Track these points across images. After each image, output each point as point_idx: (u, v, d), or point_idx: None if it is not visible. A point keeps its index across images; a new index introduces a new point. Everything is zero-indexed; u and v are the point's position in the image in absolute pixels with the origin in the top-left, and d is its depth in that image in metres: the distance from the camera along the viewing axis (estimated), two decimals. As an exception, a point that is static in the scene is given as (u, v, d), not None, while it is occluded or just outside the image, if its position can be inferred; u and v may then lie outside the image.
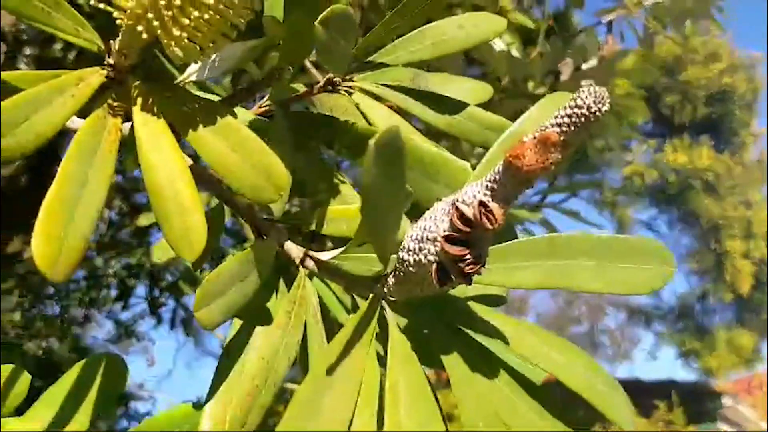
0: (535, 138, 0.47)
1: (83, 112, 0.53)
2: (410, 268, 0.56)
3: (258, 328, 0.60)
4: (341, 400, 0.50)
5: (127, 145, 0.56)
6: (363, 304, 0.57)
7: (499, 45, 2.16)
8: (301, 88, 0.74)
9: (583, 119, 0.45)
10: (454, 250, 0.52)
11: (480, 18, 0.76)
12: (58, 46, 2.27)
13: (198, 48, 0.52)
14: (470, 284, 0.56)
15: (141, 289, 3.79)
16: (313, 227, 0.72)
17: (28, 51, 2.42)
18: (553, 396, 0.60)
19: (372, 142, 0.40)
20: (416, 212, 0.58)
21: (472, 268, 0.53)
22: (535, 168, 0.47)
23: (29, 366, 0.69)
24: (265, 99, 0.72)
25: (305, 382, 0.50)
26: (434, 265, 0.54)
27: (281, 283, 0.67)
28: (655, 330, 15.53)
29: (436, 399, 0.56)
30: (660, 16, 2.53)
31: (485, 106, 0.80)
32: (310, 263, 0.65)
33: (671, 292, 15.01)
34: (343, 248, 0.60)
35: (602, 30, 2.80)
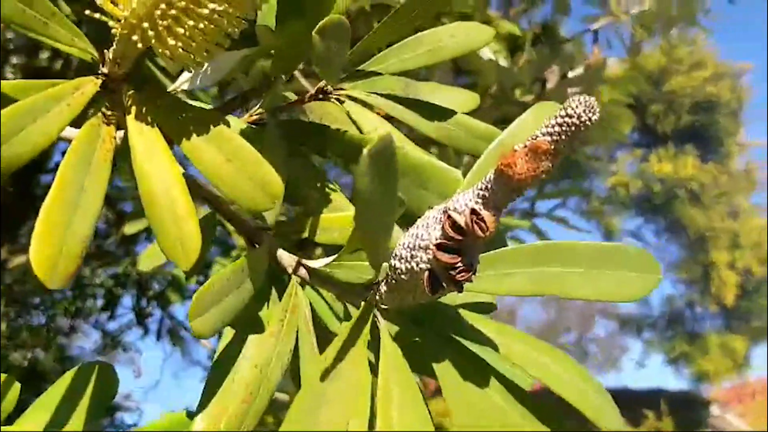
0: (526, 147, 0.48)
1: (77, 121, 0.53)
2: (402, 276, 0.57)
3: (251, 337, 0.60)
4: (337, 409, 0.50)
5: (121, 154, 0.57)
6: (356, 313, 0.58)
7: (486, 54, 2.18)
8: (292, 96, 0.74)
9: (573, 128, 0.46)
10: (446, 258, 0.53)
11: (470, 27, 0.77)
12: (45, 54, 2.27)
13: (192, 57, 0.52)
14: (461, 292, 0.56)
15: (128, 300, 3.78)
16: (304, 235, 0.72)
17: (14, 60, 2.41)
18: (544, 404, 0.60)
19: (365, 150, 0.41)
20: (407, 220, 0.59)
21: (463, 276, 0.54)
22: (526, 176, 0.48)
23: (14, 377, 0.69)
24: (256, 107, 0.72)
25: (302, 391, 0.51)
26: (426, 273, 0.55)
27: (273, 291, 0.68)
28: (643, 338, 15.62)
29: (426, 405, 0.57)
30: (646, 24, 2.56)
31: (473, 113, 0.81)
32: (302, 271, 0.65)
33: (660, 300, 15.11)
34: (335, 256, 0.60)
35: (589, 38, 2.84)
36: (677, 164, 13.82)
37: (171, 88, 0.68)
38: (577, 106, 0.46)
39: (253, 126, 0.72)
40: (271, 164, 0.56)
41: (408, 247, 0.56)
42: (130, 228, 2.12)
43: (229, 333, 0.62)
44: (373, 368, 0.60)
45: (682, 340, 14.48)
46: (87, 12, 0.51)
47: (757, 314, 13.90)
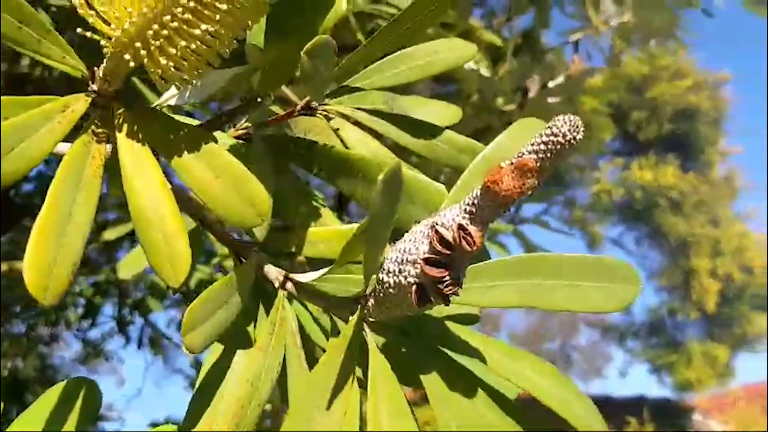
0: (512, 164, 0.49)
1: (66, 136, 0.53)
2: (390, 290, 0.58)
3: (239, 352, 0.61)
4: (329, 423, 0.51)
5: (111, 170, 0.57)
6: (345, 327, 0.58)
7: (468, 63, 2.20)
8: (279, 111, 0.75)
9: (558, 147, 0.47)
10: (434, 272, 0.54)
11: (453, 44, 0.78)
12: (25, 61, 2.25)
13: (183, 76, 0.53)
14: (448, 305, 0.57)
15: (109, 308, 3.74)
16: (290, 249, 0.73)
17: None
18: (529, 413, 0.62)
19: (380, 177, 0.46)
20: (394, 233, 0.60)
21: (450, 290, 0.55)
22: (512, 193, 0.49)
23: (-3, 386, 0.69)
24: (243, 122, 0.73)
25: (293, 407, 0.52)
26: (414, 287, 0.56)
27: (261, 304, 0.68)
28: (626, 347, 15.77)
29: (415, 419, 0.58)
30: (626, 36, 2.60)
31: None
32: (289, 285, 0.66)
33: (642, 308, 15.27)
34: (325, 270, 0.61)
35: (569, 49, 2.87)
36: (658, 173, 14.00)
37: (157, 102, 0.69)
38: (562, 126, 0.47)
39: (240, 140, 0.72)
40: (258, 179, 0.57)
41: (396, 261, 0.57)
42: (110, 234, 2.11)
43: (216, 348, 0.63)
44: (362, 380, 0.61)
45: (665, 349, 14.63)
46: (79, 30, 0.51)
47: (738, 321, 14.09)
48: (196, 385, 0.61)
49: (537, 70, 2.51)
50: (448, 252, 0.54)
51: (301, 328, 0.67)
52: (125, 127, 0.55)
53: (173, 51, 0.51)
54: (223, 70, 0.58)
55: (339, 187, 0.72)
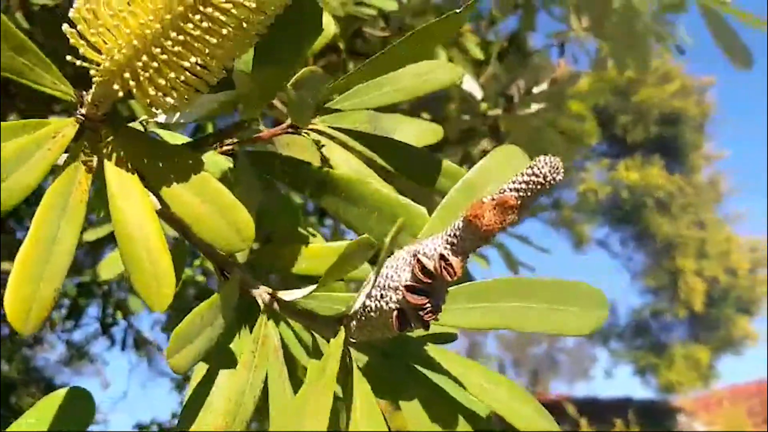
0: (494, 200, 0.51)
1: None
2: (372, 314, 0.59)
3: (223, 369, 0.62)
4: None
5: (97, 192, 0.58)
6: (329, 347, 0.60)
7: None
8: (263, 129, 0.76)
9: (538, 186, 0.49)
10: (415, 299, 0.56)
11: (437, 66, 0.79)
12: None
13: (172, 104, 0.54)
14: (428, 330, 0.59)
15: (93, 310, 3.71)
16: (274, 265, 0.74)
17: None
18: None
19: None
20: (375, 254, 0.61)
21: (430, 316, 0.57)
22: (493, 227, 0.51)
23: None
24: (229, 139, 0.74)
25: (276, 426, 0.53)
26: (395, 312, 0.57)
27: (245, 321, 0.69)
28: (611, 348, 15.96)
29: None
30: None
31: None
32: (272, 302, 0.67)
33: (627, 309, 15.44)
34: (311, 288, 0.62)
35: (555, 53, 2.89)
36: (644, 173, 14.14)
37: (143, 118, 0.70)
38: (543, 167, 0.49)
39: (226, 157, 0.73)
40: (244, 194, 0.58)
41: (378, 286, 0.59)
42: (90, 235, 2.09)
43: (200, 367, 0.64)
44: (341, 396, 0.63)
45: (648, 352, 14.80)
46: (69, 58, 0.52)
47: (723, 323, 14.31)
48: (184, 401, 0.62)
49: (522, 74, 2.53)
50: (429, 281, 0.55)
51: (284, 345, 0.68)
52: (113, 151, 0.56)
53: (162, 81, 0.51)
54: (211, 95, 0.59)
55: (322, 204, 0.73)
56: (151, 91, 0.51)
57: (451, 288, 0.65)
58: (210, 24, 0.49)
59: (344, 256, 0.57)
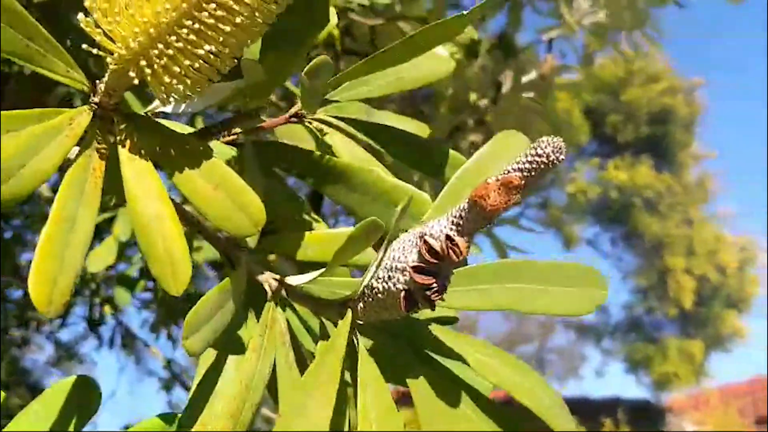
0: (498, 180, 0.53)
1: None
2: (379, 295, 0.61)
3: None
4: (320, 426, 0.54)
5: (107, 179, 0.59)
6: (336, 330, 0.61)
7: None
8: (267, 119, 0.77)
9: (542, 166, 0.51)
10: (423, 279, 0.58)
11: (433, 59, 0.81)
12: None
13: (185, 92, 0.55)
14: (434, 309, 0.61)
15: (81, 310, 3.69)
16: (279, 252, 0.75)
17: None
18: (509, 411, 0.66)
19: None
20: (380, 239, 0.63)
21: (437, 296, 0.59)
22: (498, 207, 0.53)
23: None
24: (233, 129, 0.75)
25: (283, 408, 0.54)
26: (403, 293, 0.59)
27: (253, 307, 0.71)
28: (603, 346, 16.06)
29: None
30: (600, 34, 2.64)
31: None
32: (279, 288, 0.69)
33: (618, 308, 15.55)
34: (317, 273, 0.64)
35: (542, 48, 2.92)
36: (633, 173, 14.24)
37: (148, 108, 0.71)
38: (546, 147, 0.51)
39: (231, 146, 0.75)
40: (249, 185, 0.60)
41: (385, 267, 0.60)
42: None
43: (206, 355, 0.65)
44: (349, 381, 0.64)
45: (642, 345, 14.88)
46: (84, 46, 0.53)
47: (712, 321, 14.44)
48: (192, 387, 0.63)
49: (510, 67, 2.55)
50: (436, 261, 0.57)
51: (290, 329, 0.70)
52: (126, 139, 0.57)
53: (177, 69, 0.53)
54: (221, 84, 0.60)
55: (325, 192, 0.75)
56: (166, 79, 0.53)
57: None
58: (224, 12, 0.51)
59: (352, 238, 0.59)
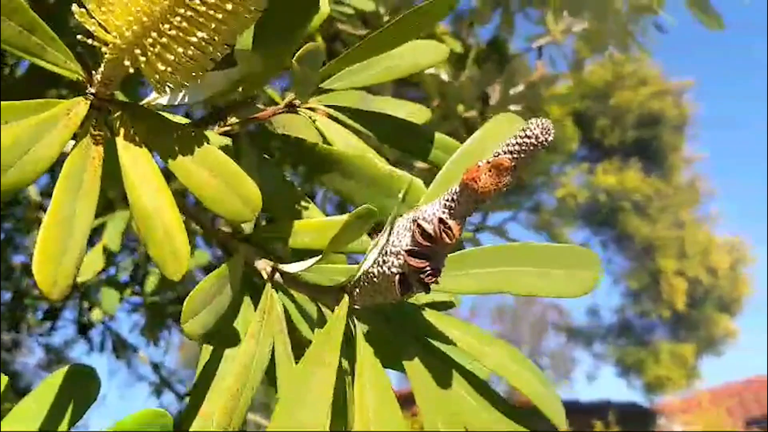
0: (489, 163, 0.54)
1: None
2: (375, 279, 0.62)
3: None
4: (316, 409, 0.55)
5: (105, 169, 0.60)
6: (333, 315, 0.62)
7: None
8: (262, 108, 0.78)
9: (531, 148, 0.52)
10: (417, 262, 0.58)
11: (423, 45, 0.82)
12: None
13: (179, 80, 0.56)
14: (429, 292, 0.62)
15: (69, 313, 3.69)
16: (275, 239, 0.76)
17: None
18: (504, 398, 0.67)
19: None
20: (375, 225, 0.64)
21: (431, 279, 0.60)
22: (489, 189, 0.54)
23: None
24: (228, 119, 0.76)
25: (282, 395, 0.55)
26: (397, 276, 0.60)
27: (250, 294, 0.72)
28: (594, 350, 16.09)
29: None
30: (588, 41, 2.65)
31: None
32: (276, 275, 0.70)
33: (610, 311, 15.57)
34: (313, 260, 0.65)
35: (532, 56, 2.92)
36: (622, 176, 14.26)
37: (146, 101, 0.72)
38: (535, 128, 0.52)
39: (226, 137, 0.76)
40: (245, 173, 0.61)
41: (380, 252, 0.61)
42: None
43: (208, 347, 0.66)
44: (346, 367, 0.65)
45: (633, 348, 14.91)
46: (79, 37, 0.54)
47: (704, 323, 14.46)
48: (197, 373, 0.64)
49: (499, 77, 2.54)
50: (429, 244, 0.58)
51: (287, 316, 0.71)
52: (123, 128, 0.58)
53: (171, 57, 0.54)
54: (216, 73, 0.61)
55: (321, 180, 0.76)
56: (161, 66, 0.54)
57: (449, 255, 0.68)
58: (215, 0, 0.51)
59: (346, 226, 0.60)
